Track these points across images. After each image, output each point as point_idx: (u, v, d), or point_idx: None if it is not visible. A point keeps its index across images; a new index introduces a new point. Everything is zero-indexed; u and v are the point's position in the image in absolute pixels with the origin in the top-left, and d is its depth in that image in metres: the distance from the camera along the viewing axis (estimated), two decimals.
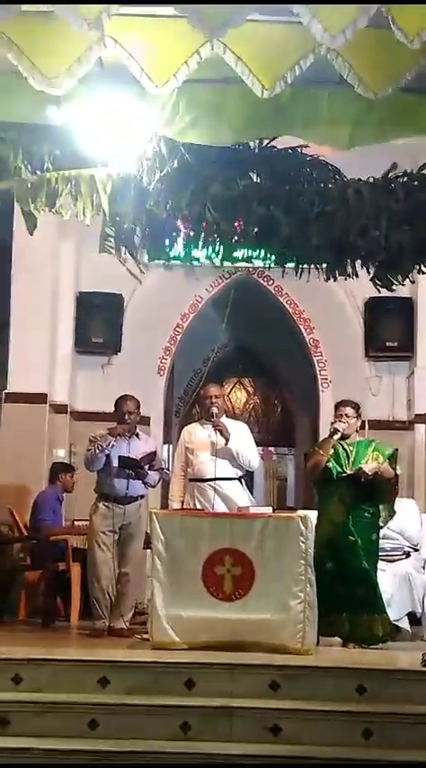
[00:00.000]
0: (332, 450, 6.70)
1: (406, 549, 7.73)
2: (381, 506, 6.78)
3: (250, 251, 7.06)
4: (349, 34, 4.63)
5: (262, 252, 6.83)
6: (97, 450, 7.06)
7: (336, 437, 6.71)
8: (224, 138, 5.99)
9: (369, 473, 6.55)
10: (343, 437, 6.73)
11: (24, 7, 4.85)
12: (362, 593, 6.49)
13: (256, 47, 5.09)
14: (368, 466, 6.58)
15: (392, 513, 6.91)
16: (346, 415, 6.75)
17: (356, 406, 6.86)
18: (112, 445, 7.08)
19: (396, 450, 6.90)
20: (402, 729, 5.10)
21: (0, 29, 4.93)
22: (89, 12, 4.63)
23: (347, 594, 6.45)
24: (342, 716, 5.16)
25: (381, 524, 6.79)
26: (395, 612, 7.19)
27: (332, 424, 6.85)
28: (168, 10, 4.84)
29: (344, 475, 6.63)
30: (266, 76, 5.12)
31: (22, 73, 5.10)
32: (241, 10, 4.67)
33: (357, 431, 6.86)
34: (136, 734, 5.07)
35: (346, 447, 6.72)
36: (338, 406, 6.91)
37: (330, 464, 6.67)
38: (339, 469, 6.65)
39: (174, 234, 6.64)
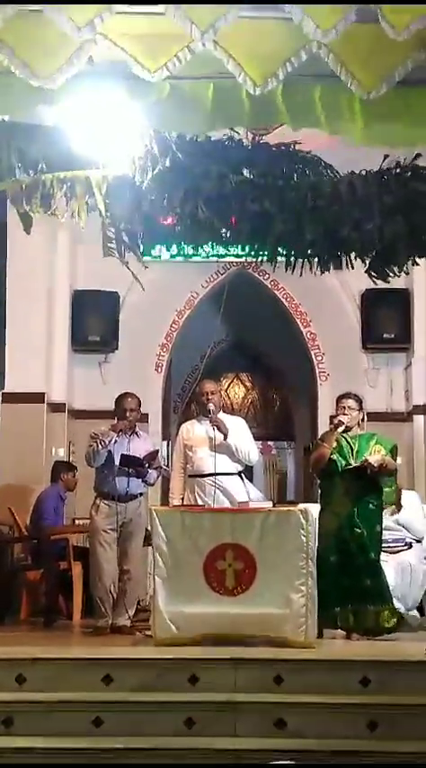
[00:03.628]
0: (335, 443, 6.70)
1: (408, 540, 7.74)
2: (384, 498, 6.79)
3: (244, 246, 7.06)
4: (340, 28, 4.63)
5: (257, 247, 6.83)
6: (99, 446, 7.06)
7: (340, 429, 6.71)
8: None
9: (375, 465, 6.55)
10: (346, 430, 6.74)
11: (15, 7, 4.85)
12: (369, 585, 6.50)
13: (247, 44, 5.10)
14: (374, 458, 6.58)
15: (398, 507, 6.91)
16: (349, 407, 6.75)
17: (358, 399, 6.87)
18: (115, 441, 7.08)
19: (396, 444, 6.91)
20: (407, 720, 5.10)
21: None
22: (81, 16, 4.64)
23: (354, 587, 6.46)
24: (347, 708, 5.16)
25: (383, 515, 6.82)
26: (399, 604, 7.20)
27: (335, 416, 6.85)
28: (159, 8, 4.85)
29: (349, 467, 6.63)
30: (257, 73, 5.12)
31: (14, 71, 5.10)
32: (228, 11, 4.67)
33: (358, 424, 6.86)
34: (140, 731, 5.07)
35: (349, 439, 6.72)
36: (340, 398, 6.90)
37: (334, 456, 6.67)
38: (343, 462, 6.65)
39: (169, 231, 6.64)
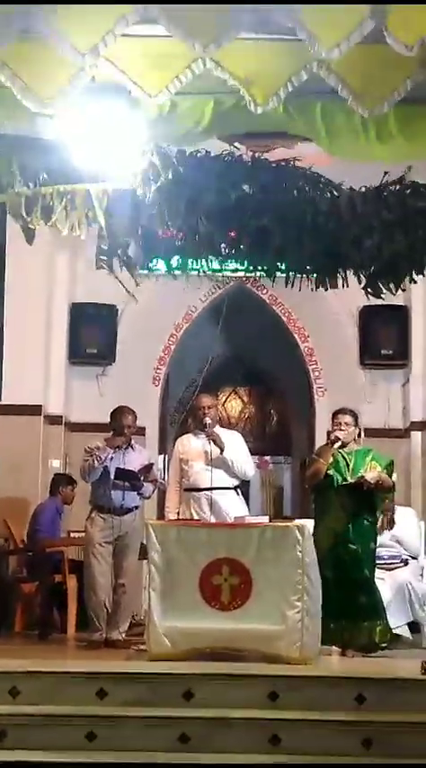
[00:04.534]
0: (331, 459, 6.70)
1: (404, 557, 7.73)
2: (378, 514, 6.79)
3: (243, 261, 7.08)
4: (343, 48, 4.65)
5: (256, 261, 6.85)
6: (96, 462, 7.06)
7: (337, 445, 6.71)
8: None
9: (372, 481, 6.55)
10: (342, 445, 6.73)
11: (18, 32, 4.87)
12: (363, 601, 6.50)
13: (249, 63, 5.13)
14: (370, 474, 6.58)
15: (392, 524, 6.91)
16: (345, 423, 6.76)
17: (354, 414, 6.87)
18: (111, 458, 7.07)
19: (392, 460, 6.91)
20: (402, 738, 5.08)
21: None
22: (84, 42, 4.66)
23: (348, 603, 6.45)
24: (342, 725, 5.14)
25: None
26: (394, 621, 7.19)
27: (332, 432, 6.85)
28: (160, 29, 4.87)
29: (345, 483, 6.63)
30: (259, 92, 5.14)
31: (15, 94, 5.12)
32: (230, 29, 4.69)
33: (354, 439, 6.86)
34: (134, 746, 5.05)
35: (345, 455, 6.72)
36: (336, 414, 6.90)
37: (331, 472, 6.66)
38: (340, 478, 6.65)
39: (169, 246, 6.65)
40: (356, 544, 6.54)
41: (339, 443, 6.71)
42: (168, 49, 5.00)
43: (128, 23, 4.74)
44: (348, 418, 6.79)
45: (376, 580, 6.99)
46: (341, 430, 6.73)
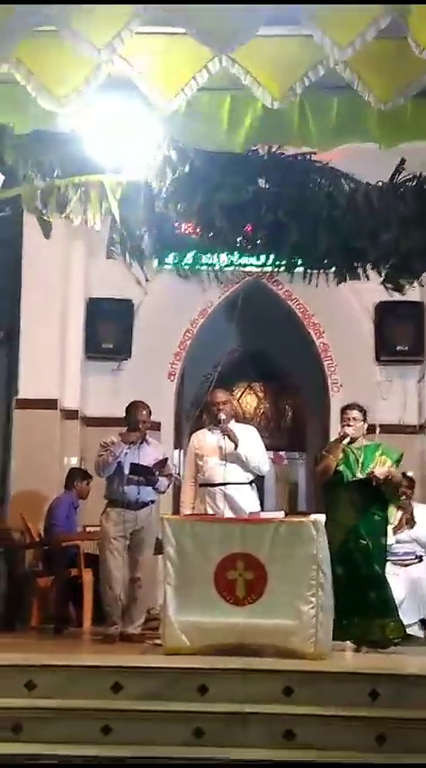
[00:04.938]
0: (341, 455, 6.69)
1: (419, 553, 7.72)
2: (389, 510, 6.77)
3: (259, 256, 7.07)
4: (358, 45, 4.64)
5: (272, 257, 6.84)
6: (110, 458, 7.07)
7: (346, 441, 6.70)
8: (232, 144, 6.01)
9: (381, 477, 6.54)
10: (351, 441, 6.73)
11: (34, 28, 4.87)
12: (375, 597, 6.49)
13: (264, 60, 5.10)
14: (380, 470, 6.57)
15: (411, 523, 6.89)
16: (353, 418, 6.74)
17: (362, 409, 6.85)
18: (125, 453, 7.09)
19: (402, 453, 6.89)
20: (416, 734, 5.07)
21: None
22: (100, 38, 4.65)
23: (359, 599, 6.44)
24: (356, 721, 5.13)
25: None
26: (407, 617, 7.19)
27: (341, 428, 6.84)
28: (176, 27, 4.86)
29: (355, 479, 6.62)
30: (275, 88, 5.13)
31: (30, 92, 5.12)
32: (247, 27, 4.68)
33: (364, 434, 6.85)
34: (149, 740, 5.06)
35: (355, 451, 6.71)
36: (344, 409, 6.90)
37: (341, 468, 6.66)
38: (350, 474, 6.64)
39: (184, 239, 6.65)
40: (366, 540, 6.52)
41: (348, 439, 6.70)
42: (183, 48, 4.98)
43: (144, 21, 4.73)
44: (355, 413, 6.78)
45: (390, 576, 7.01)
46: (349, 425, 6.72)
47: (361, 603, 6.45)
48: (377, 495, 6.63)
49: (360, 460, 6.66)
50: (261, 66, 5.10)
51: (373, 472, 6.55)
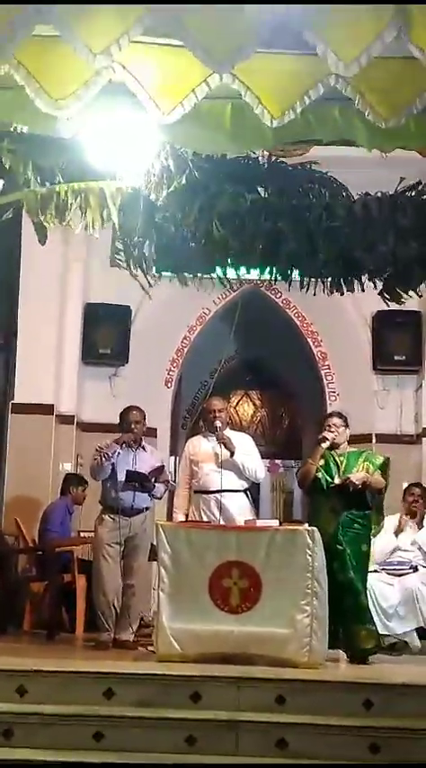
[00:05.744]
0: (322, 461, 6.68)
1: (414, 563, 7.70)
2: (373, 517, 6.74)
3: (257, 265, 7.07)
4: (363, 62, 4.63)
5: (270, 265, 6.84)
6: (103, 459, 7.07)
7: (324, 445, 6.68)
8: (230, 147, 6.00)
9: (357, 482, 6.52)
10: (333, 447, 6.72)
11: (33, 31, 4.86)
12: (348, 604, 6.41)
13: (265, 77, 5.06)
14: (356, 476, 6.55)
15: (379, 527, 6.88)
16: (333, 424, 6.75)
17: (343, 416, 6.88)
18: (118, 453, 7.08)
19: (388, 458, 6.87)
20: (409, 744, 5.06)
21: None
22: (98, 43, 4.65)
23: (337, 605, 6.37)
24: (349, 730, 5.12)
25: (372, 535, 6.77)
26: (402, 626, 7.17)
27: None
28: (176, 40, 4.85)
29: (333, 485, 6.60)
30: (275, 106, 5.11)
31: (29, 95, 5.12)
32: (246, 45, 4.67)
33: (347, 441, 6.84)
34: (141, 747, 5.04)
35: (336, 457, 6.71)
36: (325, 417, 6.97)
37: (319, 474, 6.65)
38: (328, 479, 6.63)
39: (183, 247, 6.65)
40: (343, 545, 6.47)
41: (327, 443, 6.69)
42: (184, 61, 4.97)
43: (144, 28, 4.72)
44: (336, 420, 6.80)
45: (383, 585, 6.98)
46: (329, 431, 6.72)
47: (338, 610, 6.39)
48: (359, 501, 6.60)
49: (342, 467, 6.65)
50: (262, 83, 5.07)
51: (349, 477, 6.53)
